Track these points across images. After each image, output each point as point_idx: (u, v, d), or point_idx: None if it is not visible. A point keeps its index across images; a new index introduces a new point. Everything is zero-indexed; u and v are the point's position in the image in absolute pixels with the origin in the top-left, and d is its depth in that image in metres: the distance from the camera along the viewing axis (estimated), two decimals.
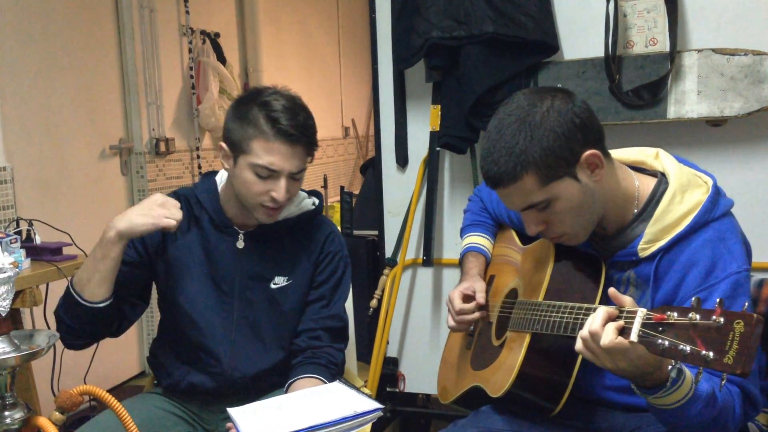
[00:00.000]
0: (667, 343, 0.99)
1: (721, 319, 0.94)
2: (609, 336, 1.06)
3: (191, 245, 1.60)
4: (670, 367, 1.08)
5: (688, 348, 0.96)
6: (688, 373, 1.13)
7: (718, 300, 0.97)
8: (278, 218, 1.59)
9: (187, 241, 1.60)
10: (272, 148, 1.47)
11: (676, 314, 0.99)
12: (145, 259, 1.60)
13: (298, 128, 1.47)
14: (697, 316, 0.97)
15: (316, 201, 1.70)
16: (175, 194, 1.65)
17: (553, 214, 1.26)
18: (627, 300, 1.11)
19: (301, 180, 1.56)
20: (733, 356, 0.92)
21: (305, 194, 1.70)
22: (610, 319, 1.08)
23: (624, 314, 1.08)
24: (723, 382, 0.99)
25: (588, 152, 1.24)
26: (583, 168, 1.24)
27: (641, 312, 1.05)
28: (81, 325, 1.51)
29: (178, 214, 1.46)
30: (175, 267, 1.59)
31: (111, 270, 1.48)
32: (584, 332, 1.11)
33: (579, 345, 1.12)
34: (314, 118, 1.55)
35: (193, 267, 1.59)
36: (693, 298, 1.00)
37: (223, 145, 1.54)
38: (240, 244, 1.60)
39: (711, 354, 0.94)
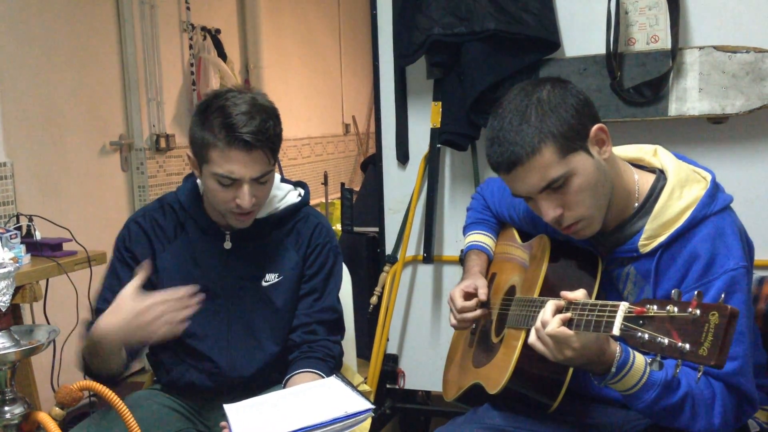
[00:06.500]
0: (646, 336, 1.00)
1: (697, 311, 0.95)
2: (553, 325, 1.14)
3: (178, 253, 1.59)
4: (617, 353, 1.15)
5: (666, 340, 0.97)
6: (640, 360, 1.18)
7: (696, 293, 0.97)
8: (258, 216, 1.56)
9: (174, 250, 1.59)
10: (229, 156, 1.41)
11: (655, 307, 1.00)
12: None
13: (254, 134, 1.40)
14: (675, 309, 0.97)
15: (302, 192, 1.68)
16: (160, 202, 1.64)
17: (570, 193, 1.24)
18: (579, 294, 1.17)
19: (270, 182, 1.51)
20: (707, 348, 0.93)
21: (291, 186, 1.68)
22: (558, 310, 1.16)
23: (571, 307, 1.15)
24: (699, 375, 0.99)
25: (596, 126, 1.25)
26: (593, 143, 1.25)
27: (623, 306, 1.06)
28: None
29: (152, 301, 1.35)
30: (164, 277, 1.58)
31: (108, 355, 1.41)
32: (537, 323, 1.18)
33: (532, 336, 1.19)
34: (278, 116, 1.48)
35: (182, 274, 1.58)
36: (674, 291, 1.00)
37: (189, 154, 1.50)
38: (227, 245, 1.59)
39: (687, 346, 0.95)
